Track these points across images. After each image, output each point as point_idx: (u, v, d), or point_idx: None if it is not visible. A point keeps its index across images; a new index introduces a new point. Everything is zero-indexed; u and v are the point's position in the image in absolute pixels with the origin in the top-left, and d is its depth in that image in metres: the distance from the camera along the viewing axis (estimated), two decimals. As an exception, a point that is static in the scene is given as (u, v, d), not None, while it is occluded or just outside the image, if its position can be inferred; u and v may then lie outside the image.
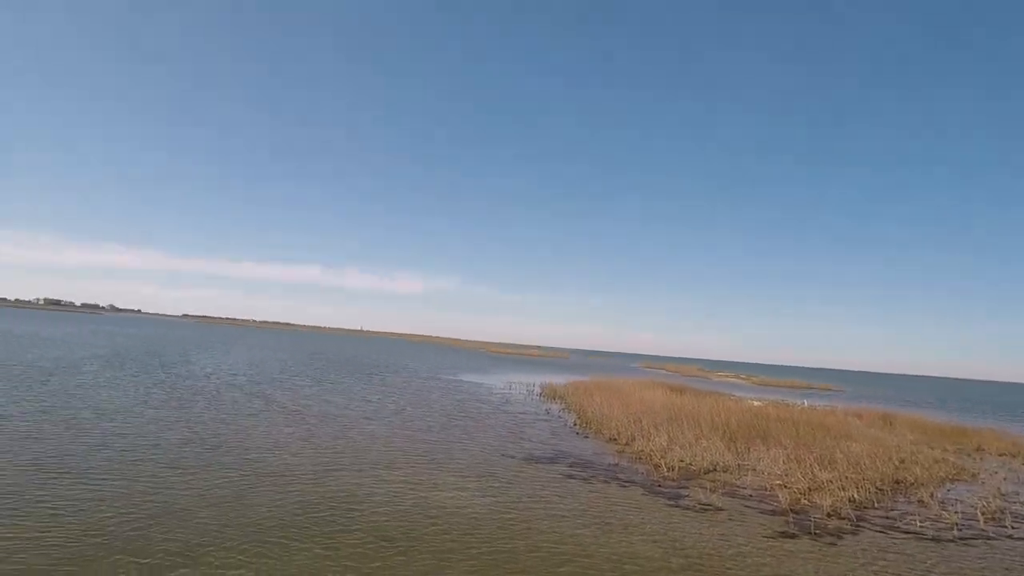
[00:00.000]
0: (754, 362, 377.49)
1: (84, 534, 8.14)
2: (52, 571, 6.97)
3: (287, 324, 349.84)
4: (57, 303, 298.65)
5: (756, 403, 30.89)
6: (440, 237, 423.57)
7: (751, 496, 13.15)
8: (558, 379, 46.66)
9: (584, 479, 13.74)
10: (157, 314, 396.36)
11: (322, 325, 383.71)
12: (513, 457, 15.74)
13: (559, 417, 25.02)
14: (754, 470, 15.39)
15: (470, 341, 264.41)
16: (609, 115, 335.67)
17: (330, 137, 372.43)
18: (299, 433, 16.72)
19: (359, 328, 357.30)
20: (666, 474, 14.76)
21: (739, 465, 15.99)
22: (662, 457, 16.14)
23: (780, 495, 12.98)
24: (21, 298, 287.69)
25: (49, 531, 8.15)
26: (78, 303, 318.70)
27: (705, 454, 16.45)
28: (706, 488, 13.46)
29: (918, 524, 11.71)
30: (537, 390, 37.49)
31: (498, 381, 44.50)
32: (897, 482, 15.42)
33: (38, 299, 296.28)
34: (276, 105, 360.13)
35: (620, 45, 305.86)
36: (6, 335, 50.59)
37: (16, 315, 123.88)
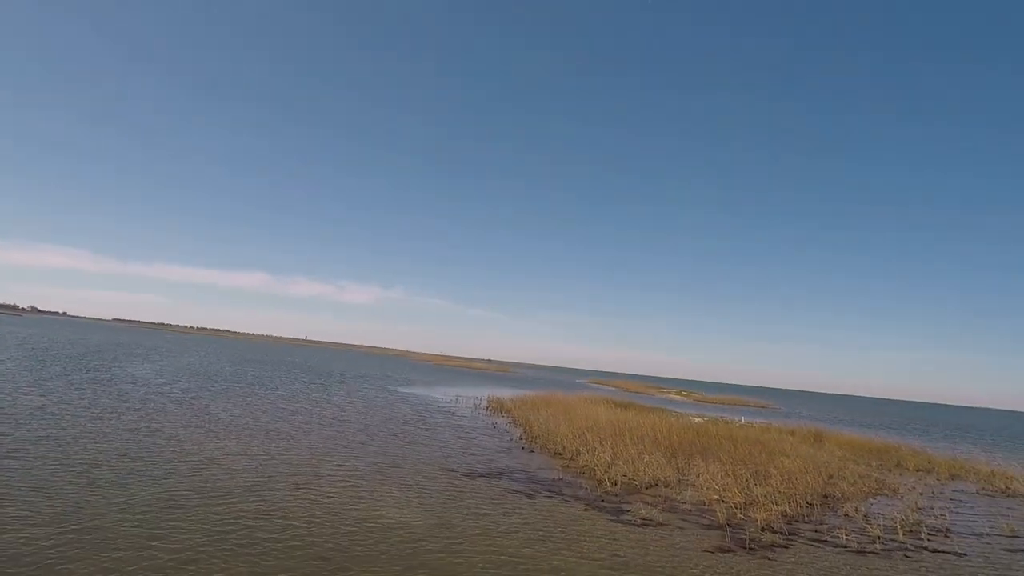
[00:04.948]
0: (693, 379, 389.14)
1: None
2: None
3: (229, 331, 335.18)
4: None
5: (697, 419, 31.78)
6: (391, 248, 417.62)
7: (690, 511, 13.43)
8: (504, 392, 46.49)
9: (528, 494, 13.70)
10: (85, 317, 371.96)
11: (265, 333, 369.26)
12: (457, 472, 15.56)
13: (505, 431, 24.93)
14: (694, 485, 15.75)
15: (418, 353, 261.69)
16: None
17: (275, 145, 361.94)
18: (233, 447, 15.99)
19: (304, 337, 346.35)
20: (609, 489, 14.91)
21: (680, 480, 16.34)
22: (605, 472, 16.31)
23: (717, 510, 13.33)
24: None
25: None
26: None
27: (647, 469, 16.72)
28: (648, 503, 13.67)
29: (844, 537, 12.24)
30: (483, 403, 37.28)
31: (444, 394, 44.03)
32: (826, 497, 16.12)
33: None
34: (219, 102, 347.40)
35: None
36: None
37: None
